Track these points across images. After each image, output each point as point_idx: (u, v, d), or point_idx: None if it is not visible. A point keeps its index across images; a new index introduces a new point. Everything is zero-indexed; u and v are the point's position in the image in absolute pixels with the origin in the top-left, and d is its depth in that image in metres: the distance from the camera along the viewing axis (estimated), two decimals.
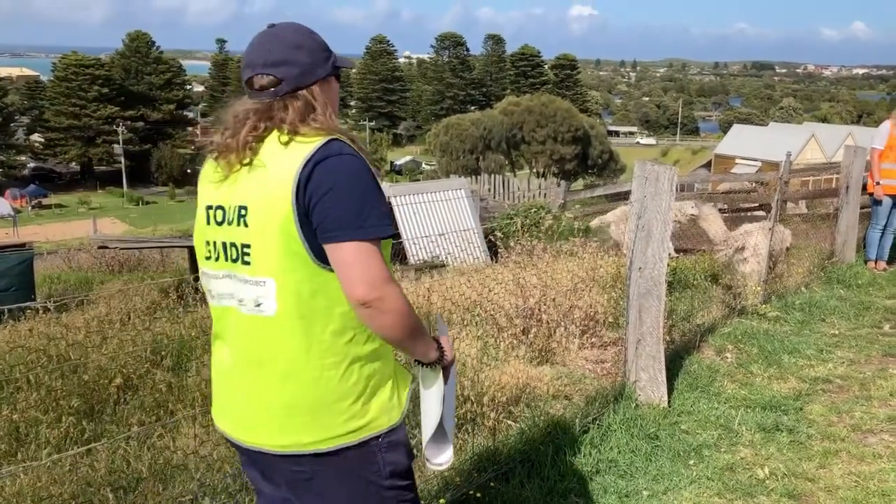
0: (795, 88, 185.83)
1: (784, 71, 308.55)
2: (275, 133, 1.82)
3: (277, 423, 1.84)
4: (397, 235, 13.80)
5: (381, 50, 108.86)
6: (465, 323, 5.94)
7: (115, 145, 77.28)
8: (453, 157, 58.77)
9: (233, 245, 1.84)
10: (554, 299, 5.70)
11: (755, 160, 57.14)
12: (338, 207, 1.72)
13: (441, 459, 2.09)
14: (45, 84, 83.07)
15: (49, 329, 6.28)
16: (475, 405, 4.34)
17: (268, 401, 1.85)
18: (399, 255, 12.93)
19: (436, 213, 13.84)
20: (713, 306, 6.65)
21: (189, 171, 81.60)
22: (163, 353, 5.99)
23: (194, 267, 12.50)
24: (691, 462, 3.95)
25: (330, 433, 1.82)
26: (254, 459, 1.97)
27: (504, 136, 59.34)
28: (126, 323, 7.20)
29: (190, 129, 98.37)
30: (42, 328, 6.51)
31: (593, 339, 5.71)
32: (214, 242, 1.89)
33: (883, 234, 8.24)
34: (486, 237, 13.55)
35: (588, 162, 59.37)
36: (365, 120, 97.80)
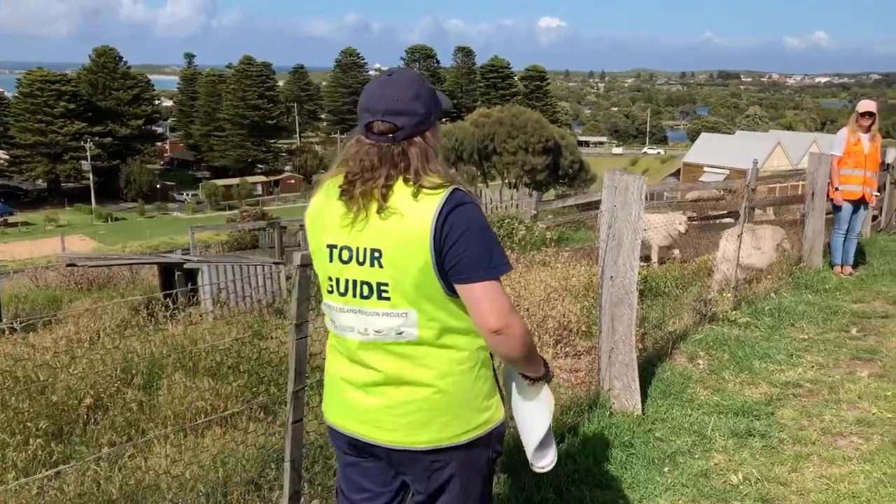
0: (761, 97, 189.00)
1: (749, 80, 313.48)
2: (401, 180, 2.02)
3: (421, 424, 2.12)
4: None
5: (351, 62, 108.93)
6: None
7: (83, 161, 76.34)
8: None
9: (365, 283, 2.08)
10: (528, 309, 5.73)
11: (723, 168, 57.93)
12: (467, 254, 1.99)
13: (544, 463, 2.41)
14: (9, 100, 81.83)
15: (16, 350, 6.17)
16: None
17: (412, 408, 2.11)
18: None
19: None
20: (684, 313, 6.71)
21: (158, 186, 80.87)
22: (133, 371, 5.93)
23: (164, 284, 12.37)
24: (666, 469, 3.97)
25: (466, 427, 2.14)
26: (378, 453, 2.21)
27: (476, 147, 59.51)
28: (96, 342, 7.10)
29: (159, 144, 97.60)
30: (9, 349, 6.40)
31: (567, 349, 5.74)
32: (338, 279, 2.12)
33: (846, 238, 8.39)
34: None
35: (559, 172, 59.71)
36: (336, 133, 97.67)
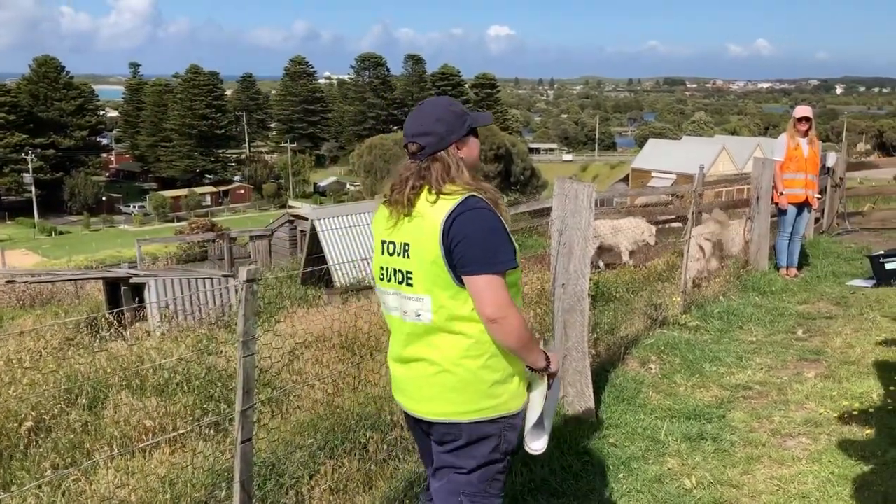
0: (706, 103, 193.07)
1: (695, 86, 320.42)
2: (426, 189, 2.46)
3: (435, 399, 2.50)
4: (320, 262, 13.63)
5: (300, 71, 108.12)
6: None
7: (25, 174, 74.31)
8: (378, 177, 58.60)
9: (399, 271, 2.52)
10: None
11: (670, 173, 58.96)
12: (472, 251, 2.35)
13: (537, 446, 2.70)
14: None
15: None
16: (404, 430, 4.29)
17: (428, 383, 2.50)
18: (324, 280, 12.76)
19: (362, 237, 13.72)
20: (636, 318, 6.77)
21: (104, 198, 79.10)
22: (77, 390, 5.74)
23: (110, 299, 12.06)
24: (621, 476, 3.99)
25: (471, 408, 2.46)
26: (419, 423, 2.61)
27: None
28: (38, 361, 6.88)
29: (104, 155, 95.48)
30: None
31: None
32: (387, 268, 2.57)
33: (791, 241, 8.58)
34: None
35: (511, 179, 60.09)
36: (286, 141, 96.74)
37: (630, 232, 10.75)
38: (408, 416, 2.70)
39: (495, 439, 2.51)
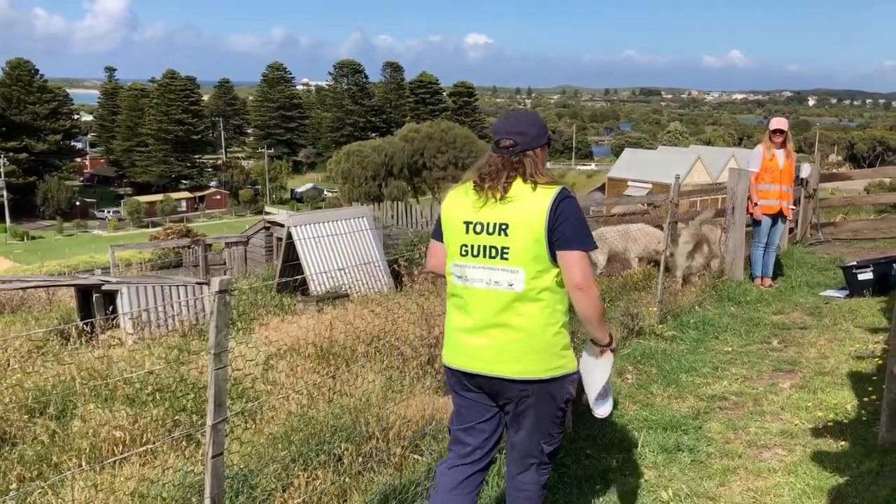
0: (681, 113, 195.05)
1: (670, 96, 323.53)
2: (519, 179, 2.88)
3: (517, 360, 2.88)
4: (296, 267, 13.52)
5: (278, 77, 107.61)
6: (370, 356, 5.83)
7: None
8: (355, 184, 58.51)
9: (492, 247, 2.89)
10: None
11: (646, 182, 59.40)
12: (571, 230, 2.81)
13: (603, 410, 3.22)
14: None
15: None
16: (380, 441, 4.24)
17: (511, 347, 2.88)
18: (300, 287, 12.65)
19: (338, 246, 13.63)
20: (612, 328, 6.77)
21: (77, 203, 78.13)
22: (44, 399, 5.61)
23: (82, 306, 11.86)
24: (598, 487, 3.96)
25: (546, 367, 2.89)
26: (482, 384, 2.99)
27: (406, 162, 59.57)
28: (5, 369, 6.73)
29: (78, 160, 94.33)
30: None
31: None
32: (473, 245, 2.94)
33: (765, 251, 8.65)
34: (390, 265, 13.45)
35: None
36: (263, 147, 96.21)
37: (642, 240, 10.32)
38: (467, 384, 3.03)
39: (561, 392, 2.95)
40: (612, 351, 3.14)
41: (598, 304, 2.90)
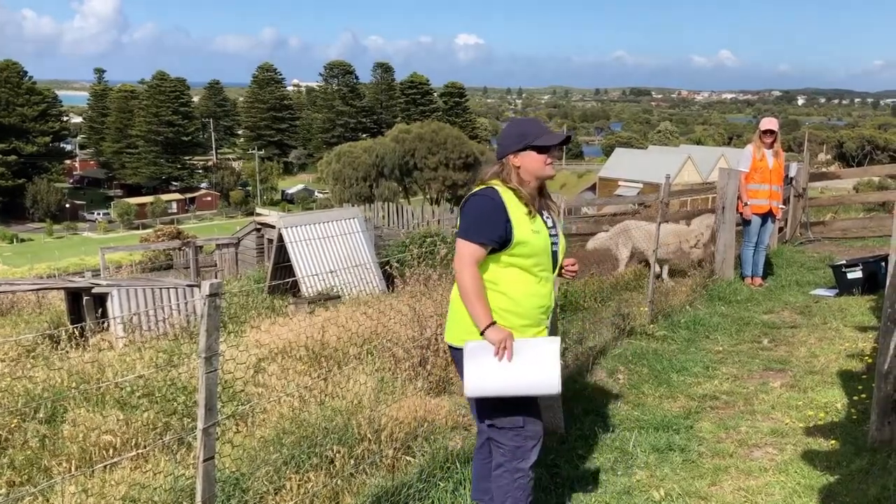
0: (671, 113, 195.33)
1: (660, 96, 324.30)
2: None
3: (447, 327, 3.44)
4: (288, 269, 13.49)
5: (268, 78, 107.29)
6: (361, 358, 5.83)
7: None
8: (346, 185, 58.43)
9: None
10: None
11: (637, 182, 59.59)
12: (461, 221, 3.23)
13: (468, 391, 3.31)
14: None
15: None
16: (373, 443, 4.24)
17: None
18: (292, 288, 12.62)
19: (330, 247, 13.60)
20: (604, 328, 6.78)
21: (67, 205, 77.75)
22: (35, 403, 5.58)
23: (72, 309, 11.80)
24: (589, 488, 3.97)
25: (450, 334, 3.38)
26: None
27: (397, 163, 59.50)
28: None
29: (68, 161, 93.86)
30: None
31: None
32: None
33: (755, 251, 8.68)
34: (381, 267, 13.43)
35: None
36: (254, 148, 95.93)
37: (673, 242, 9.40)
38: None
39: (459, 364, 3.33)
40: (490, 338, 3.10)
41: (465, 284, 3.10)
